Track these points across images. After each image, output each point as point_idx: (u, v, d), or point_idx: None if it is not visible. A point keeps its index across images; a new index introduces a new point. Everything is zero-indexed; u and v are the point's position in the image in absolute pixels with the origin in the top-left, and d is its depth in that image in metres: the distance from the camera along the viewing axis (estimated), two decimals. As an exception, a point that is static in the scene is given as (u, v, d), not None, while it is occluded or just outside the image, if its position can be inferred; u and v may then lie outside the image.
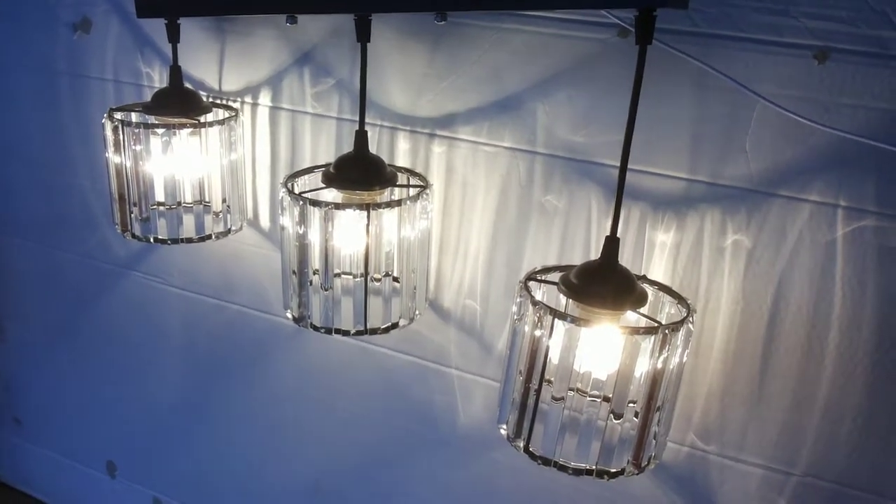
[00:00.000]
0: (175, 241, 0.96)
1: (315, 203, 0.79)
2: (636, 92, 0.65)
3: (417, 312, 0.88)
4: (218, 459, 1.30)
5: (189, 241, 0.97)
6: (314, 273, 0.83)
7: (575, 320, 0.66)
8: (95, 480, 1.48)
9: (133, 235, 0.95)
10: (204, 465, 1.33)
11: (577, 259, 0.85)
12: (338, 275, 0.84)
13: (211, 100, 1.03)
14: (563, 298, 0.72)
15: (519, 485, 1.01)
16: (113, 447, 1.44)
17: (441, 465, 1.06)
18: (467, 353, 0.98)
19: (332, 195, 0.86)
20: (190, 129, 0.92)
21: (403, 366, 1.04)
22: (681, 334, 0.67)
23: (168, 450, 1.36)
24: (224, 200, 0.97)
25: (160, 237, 0.96)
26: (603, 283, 0.69)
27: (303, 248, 0.81)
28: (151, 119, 0.95)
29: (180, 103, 0.95)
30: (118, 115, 0.93)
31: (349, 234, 0.81)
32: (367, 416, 1.10)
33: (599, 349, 0.68)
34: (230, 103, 1.02)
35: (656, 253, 0.82)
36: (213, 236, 0.98)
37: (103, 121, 0.92)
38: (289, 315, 0.87)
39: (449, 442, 1.04)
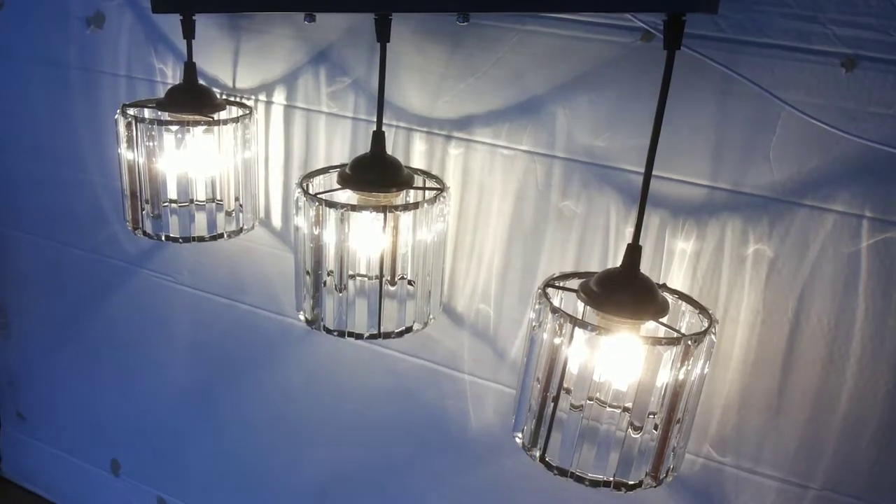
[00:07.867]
0: (186, 239, 0.95)
1: (331, 204, 0.78)
2: (663, 97, 0.63)
3: (431, 316, 0.87)
4: (223, 460, 1.29)
5: (201, 239, 0.96)
6: (328, 274, 0.82)
7: (595, 329, 0.65)
8: (99, 478, 1.47)
9: (144, 233, 0.95)
10: (209, 465, 1.32)
11: (594, 266, 0.84)
12: (352, 276, 0.82)
13: (225, 97, 1.02)
14: (580, 306, 0.71)
15: (530, 494, 0.99)
16: (117, 445, 1.43)
17: (451, 471, 1.05)
18: (480, 359, 0.97)
19: (346, 196, 0.85)
20: (203, 127, 0.91)
21: (415, 370, 1.02)
22: (703, 346, 0.66)
23: (173, 449, 1.35)
24: (237, 199, 0.97)
25: (171, 235, 0.95)
26: (624, 292, 0.67)
27: (318, 250, 0.80)
28: (165, 115, 0.94)
29: (194, 100, 0.94)
30: (131, 111, 0.92)
31: (365, 235, 0.80)
32: (377, 420, 1.09)
33: (619, 359, 0.67)
34: (244, 101, 1.01)
35: (675, 261, 0.81)
36: (225, 235, 0.97)
37: (116, 116, 0.91)
38: (301, 317, 0.86)
39: (459, 448, 1.03)
